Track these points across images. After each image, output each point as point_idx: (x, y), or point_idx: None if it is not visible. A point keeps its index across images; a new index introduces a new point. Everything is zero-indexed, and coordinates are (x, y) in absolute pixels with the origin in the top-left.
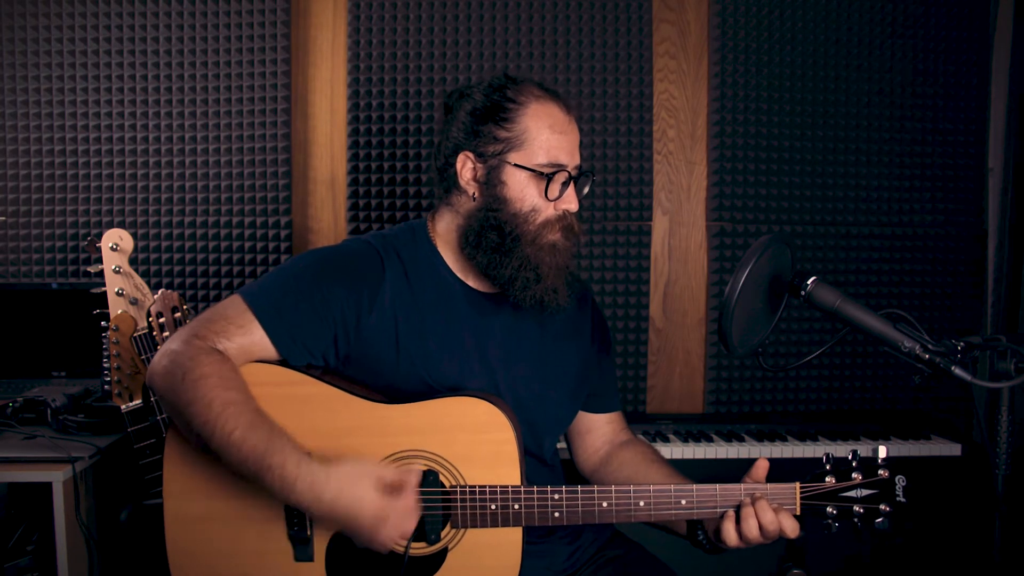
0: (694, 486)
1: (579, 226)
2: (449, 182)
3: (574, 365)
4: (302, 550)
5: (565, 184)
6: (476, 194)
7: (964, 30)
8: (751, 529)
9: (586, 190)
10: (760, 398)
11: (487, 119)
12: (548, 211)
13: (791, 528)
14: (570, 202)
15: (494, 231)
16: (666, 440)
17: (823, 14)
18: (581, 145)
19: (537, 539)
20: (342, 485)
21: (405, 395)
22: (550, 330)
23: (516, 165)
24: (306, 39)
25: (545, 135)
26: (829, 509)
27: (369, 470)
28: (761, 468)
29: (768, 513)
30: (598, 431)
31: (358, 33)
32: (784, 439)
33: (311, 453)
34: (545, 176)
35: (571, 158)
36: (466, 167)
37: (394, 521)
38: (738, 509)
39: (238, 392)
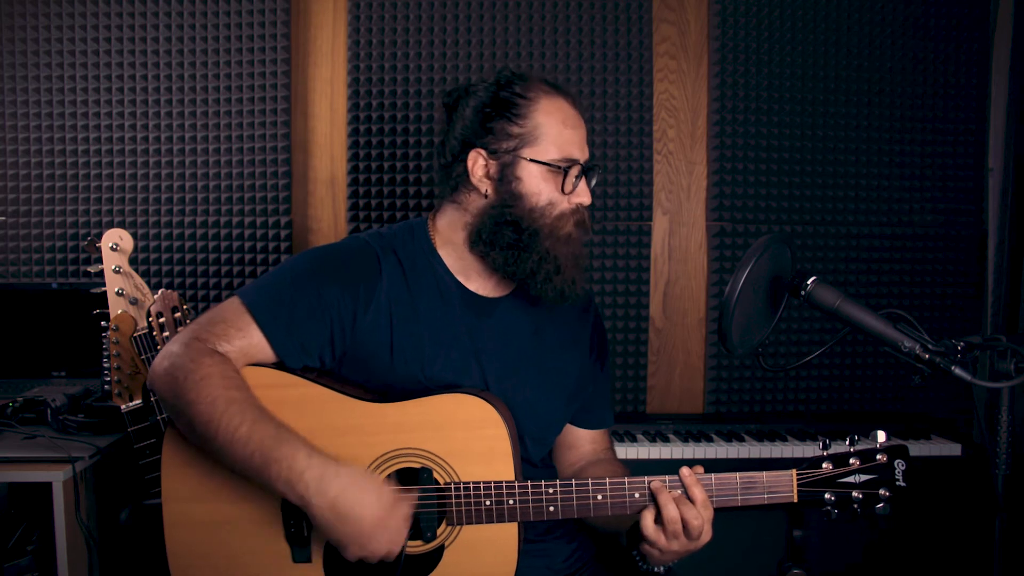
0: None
1: (589, 218)
2: (457, 180)
3: (571, 374)
4: (300, 551)
5: (578, 178)
6: (489, 191)
7: (964, 30)
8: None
9: (594, 183)
10: (760, 398)
11: (497, 115)
12: (563, 205)
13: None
14: (583, 195)
15: (510, 227)
16: (666, 440)
17: (823, 14)
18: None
19: (536, 538)
20: (350, 483)
21: (399, 394)
22: (548, 337)
23: (532, 160)
24: (306, 39)
25: (557, 130)
26: (827, 495)
27: (374, 478)
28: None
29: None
30: (580, 449)
31: (358, 33)
32: (784, 439)
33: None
34: (561, 171)
35: (582, 152)
36: (478, 164)
37: (390, 531)
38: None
39: (241, 391)
